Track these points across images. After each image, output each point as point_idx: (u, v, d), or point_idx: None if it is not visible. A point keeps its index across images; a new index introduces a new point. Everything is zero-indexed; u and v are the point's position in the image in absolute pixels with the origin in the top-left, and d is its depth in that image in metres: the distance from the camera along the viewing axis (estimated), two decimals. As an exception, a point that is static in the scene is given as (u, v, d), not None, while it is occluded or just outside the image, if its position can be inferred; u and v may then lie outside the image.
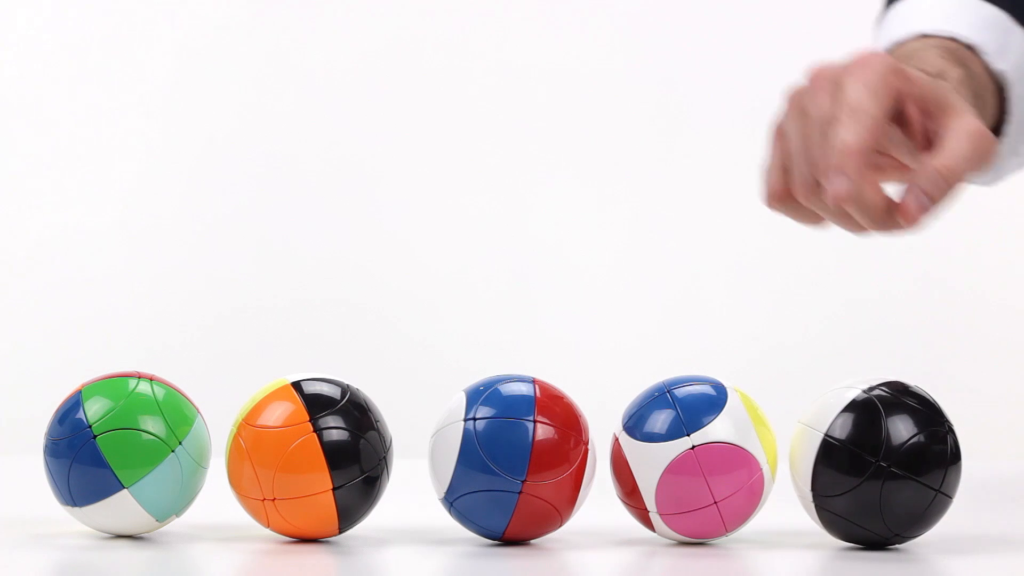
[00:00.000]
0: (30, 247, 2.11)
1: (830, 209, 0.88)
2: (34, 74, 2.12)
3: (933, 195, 0.87)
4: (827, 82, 0.88)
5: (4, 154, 2.12)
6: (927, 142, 0.90)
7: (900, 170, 0.95)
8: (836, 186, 0.85)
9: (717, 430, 0.89)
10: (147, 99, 2.11)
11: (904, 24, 1.08)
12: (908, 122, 0.90)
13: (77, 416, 0.90)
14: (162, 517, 0.91)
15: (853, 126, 0.86)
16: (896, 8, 1.12)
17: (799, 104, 0.90)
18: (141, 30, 2.12)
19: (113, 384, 0.91)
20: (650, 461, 0.89)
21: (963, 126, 0.88)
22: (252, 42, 2.12)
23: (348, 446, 0.89)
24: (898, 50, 1.05)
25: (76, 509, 0.90)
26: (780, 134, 0.91)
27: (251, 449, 0.89)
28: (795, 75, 0.91)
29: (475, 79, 2.12)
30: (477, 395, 0.90)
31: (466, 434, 0.88)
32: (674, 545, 0.91)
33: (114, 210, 2.11)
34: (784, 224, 0.96)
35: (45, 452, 0.91)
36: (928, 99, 0.89)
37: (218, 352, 2.09)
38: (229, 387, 1.40)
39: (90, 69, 2.11)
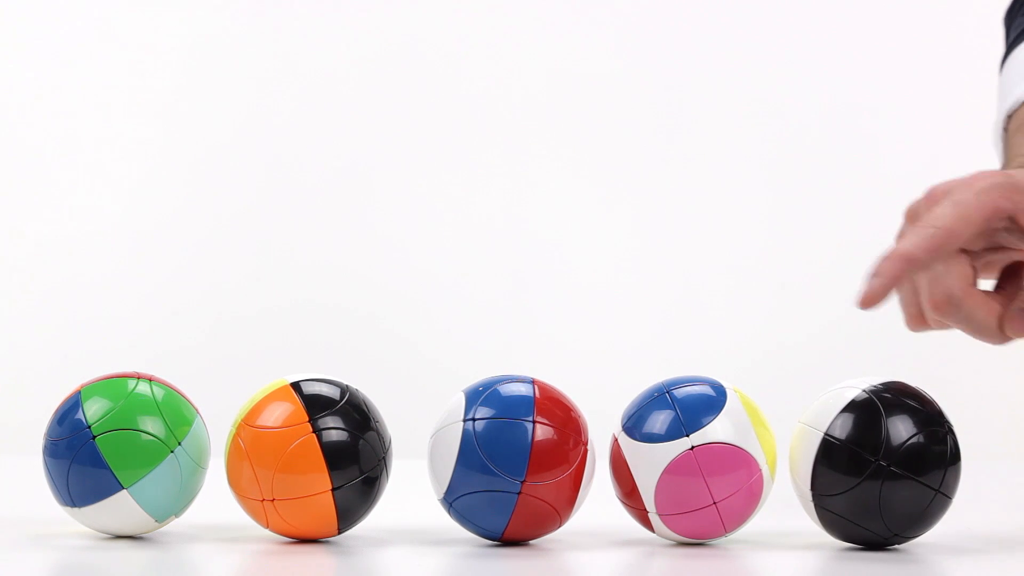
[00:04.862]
0: (31, 249, 2.11)
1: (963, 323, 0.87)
2: (37, 77, 2.12)
3: None
4: (933, 198, 0.88)
5: (6, 157, 2.11)
6: None
7: None
8: (866, 286, 0.84)
9: (716, 431, 0.88)
10: (147, 105, 2.11)
11: None
12: None
13: (76, 416, 0.90)
14: (161, 517, 0.91)
15: (911, 235, 0.85)
16: (1017, 54, 1.09)
17: (911, 218, 0.89)
18: (144, 36, 2.11)
19: (112, 384, 0.91)
20: (649, 461, 0.89)
21: None
22: (252, 49, 2.12)
23: (347, 447, 0.89)
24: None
25: (76, 510, 0.90)
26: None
27: (250, 450, 0.89)
28: (794, 76, 0.91)
29: (473, 83, 2.12)
30: (476, 396, 0.89)
31: (465, 435, 0.88)
32: (673, 545, 0.91)
33: (115, 213, 2.11)
34: (783, 225, 0.96)
35: (44, 452, 0.91)
36: None
37: (218, 353, 2.09)
38: (229, 388, 1.40)
39: (92, 74, 2.11)
